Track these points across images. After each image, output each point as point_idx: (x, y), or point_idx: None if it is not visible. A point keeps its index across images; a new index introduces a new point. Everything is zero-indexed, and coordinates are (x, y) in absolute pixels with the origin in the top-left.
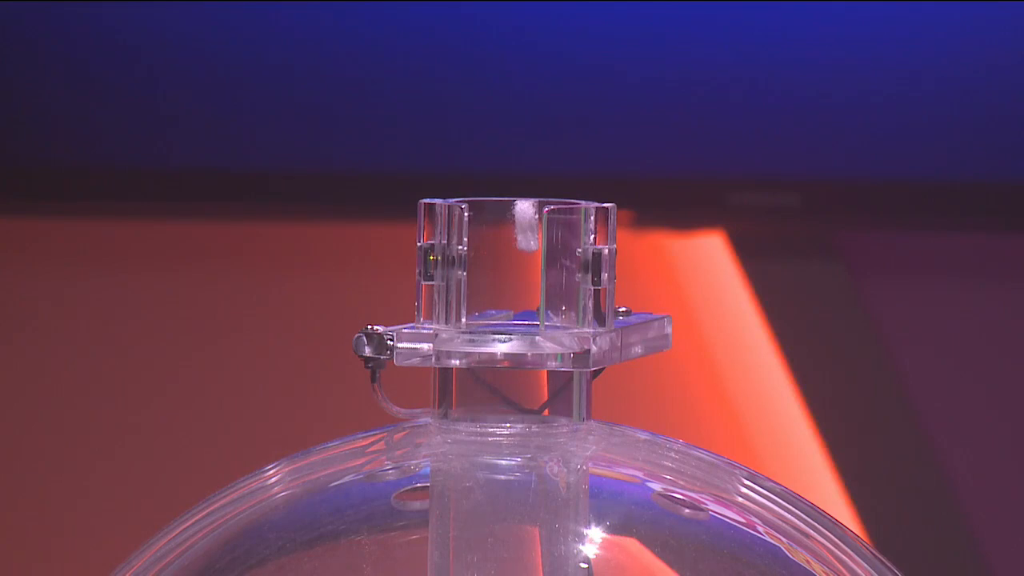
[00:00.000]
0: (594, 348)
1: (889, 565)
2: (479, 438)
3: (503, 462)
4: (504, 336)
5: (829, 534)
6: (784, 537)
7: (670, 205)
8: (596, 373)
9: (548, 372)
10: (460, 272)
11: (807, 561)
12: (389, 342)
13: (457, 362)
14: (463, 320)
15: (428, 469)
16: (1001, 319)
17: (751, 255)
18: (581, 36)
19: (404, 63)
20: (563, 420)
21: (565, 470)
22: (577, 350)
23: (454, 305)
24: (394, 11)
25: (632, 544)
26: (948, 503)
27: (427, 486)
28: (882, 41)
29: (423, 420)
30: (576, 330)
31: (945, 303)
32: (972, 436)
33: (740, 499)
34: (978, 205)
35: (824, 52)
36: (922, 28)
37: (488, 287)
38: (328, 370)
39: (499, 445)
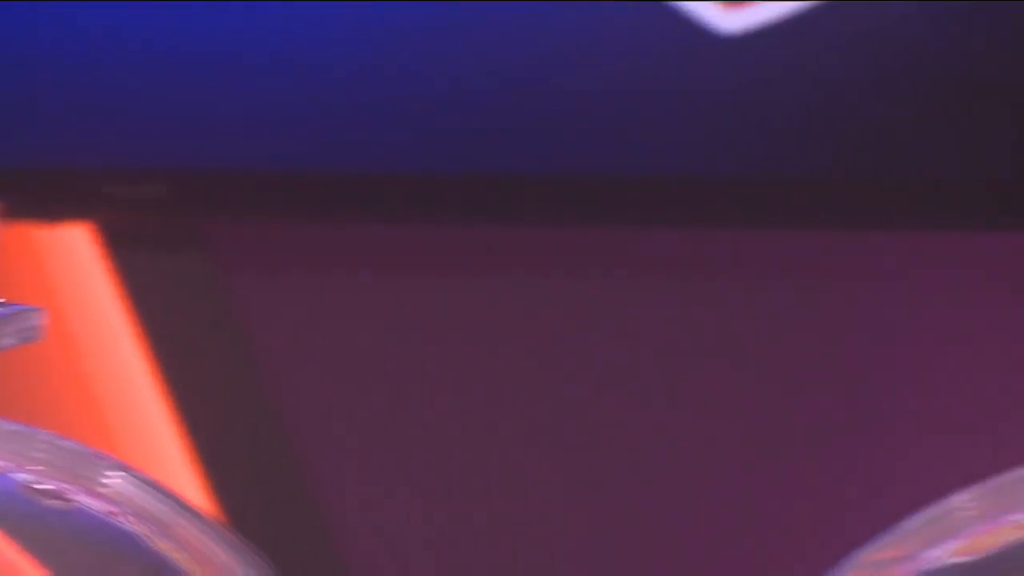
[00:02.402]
0: None
1: (248, 545)
2: None
3: None
4: None
5: (191, 521)
6: (148, 525)
7: (41, 196)
8: None
9: None
10: None
11: (170, 549)
12: None
13: None
14: None
15: None
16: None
17: (120, 247)
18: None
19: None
20: None
21: None
22: None
23: None
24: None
25: None
26: (301, 488)
27: None
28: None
29: None
30: None
31: (303, 291)
32: (325, 424)
33: (106, 489)
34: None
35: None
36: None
37: None
38: None
39: None
